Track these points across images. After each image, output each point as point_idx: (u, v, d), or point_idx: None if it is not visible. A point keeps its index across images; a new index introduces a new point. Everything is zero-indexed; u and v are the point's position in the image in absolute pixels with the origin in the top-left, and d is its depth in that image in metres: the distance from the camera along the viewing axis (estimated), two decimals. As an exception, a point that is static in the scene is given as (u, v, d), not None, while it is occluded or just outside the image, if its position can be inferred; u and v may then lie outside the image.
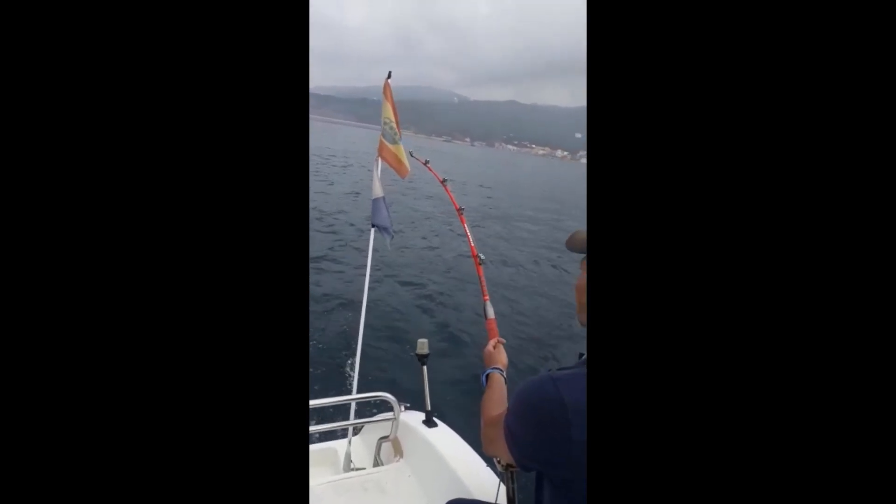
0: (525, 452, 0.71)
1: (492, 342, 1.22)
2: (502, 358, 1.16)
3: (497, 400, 0.98)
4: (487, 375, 1.10)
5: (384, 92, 2.43)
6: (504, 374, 1.11)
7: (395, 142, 2.39)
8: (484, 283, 1.69)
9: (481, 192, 21.12)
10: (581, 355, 0.75)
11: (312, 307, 4.84)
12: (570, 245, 0.82)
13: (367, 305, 2.24)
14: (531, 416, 0.67)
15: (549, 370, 0.71)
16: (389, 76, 2.47)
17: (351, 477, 1.55)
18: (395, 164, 2.41)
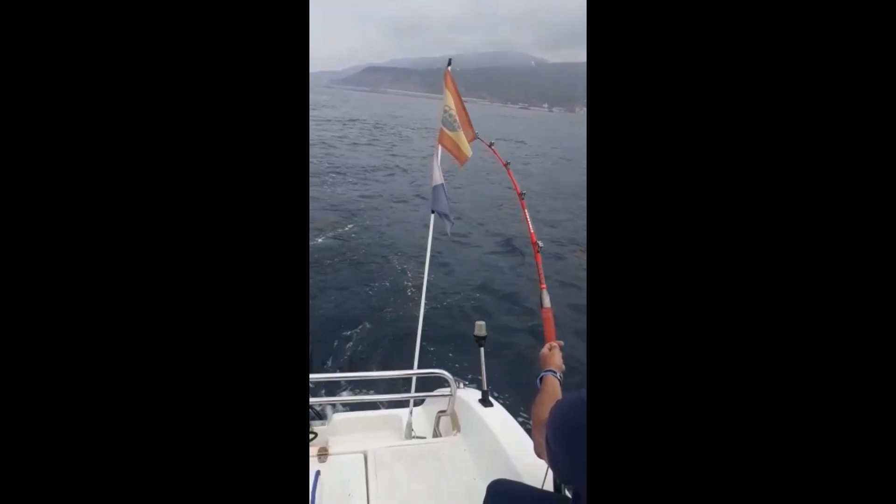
0: (560, 470, 0.72)
1: (548, 345, 1.21)
2: (558, 361, 1.15)
3: (548, 404, 0.97)
4: (542, 378, 1.09)
5: (445, 81, 2.45)
6: (559, 376, 1.10)
7: (454, 129, 2.41)
8: (541, 272, 1.70)
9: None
10: None
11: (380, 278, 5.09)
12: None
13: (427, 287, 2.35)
14: (563, 438, 0.69)
15: None
16: (450, 64, 2.48)
17: (411, 444, 1.69)
18: (455, 152, 2.45)
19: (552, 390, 1.04)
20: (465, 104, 2.51)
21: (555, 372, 1.10)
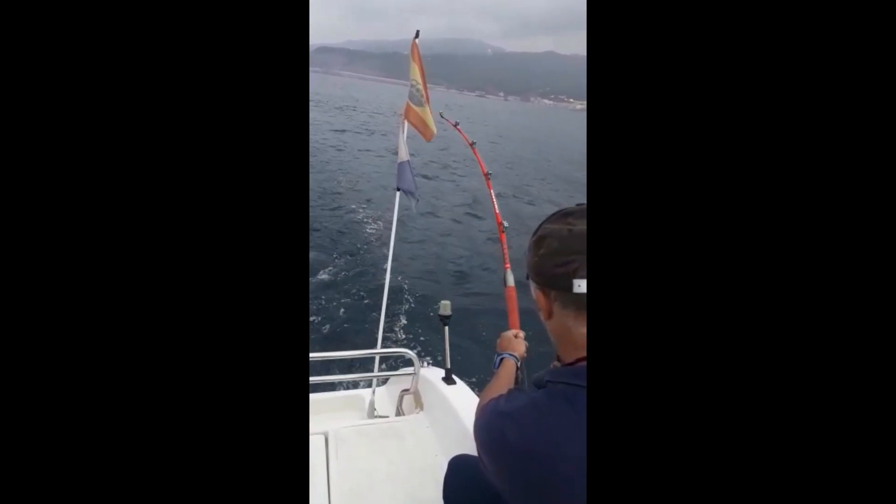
0: (488, 476, 0.69)
1: (513, 331, 1.16)
2: (521, 347, 1.08)
3: (497, 390, 0.91)
4: (500, 361, 1.03)
5: (412, 52, 2.38)
6: (519, 363, 1.04)
7: (421, 104, 2.36)
8: (506, 251, 1.72)
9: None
10: (554, 364, 0.70)
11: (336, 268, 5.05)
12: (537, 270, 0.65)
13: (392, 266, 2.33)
14: (484, 448, 0.66)
15: (516, 390, 0.68)
16: (417, 35, 2.41)
17: (374, 423, 1.68)
18: (421, 127, 2.40)
19: (507, 377, 0.98)
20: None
21: (515, 357, 1.04)
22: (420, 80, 2.36)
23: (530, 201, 10.06)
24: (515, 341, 1.11)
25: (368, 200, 7.85)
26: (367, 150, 13.71)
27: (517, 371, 1.04)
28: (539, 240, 0.64)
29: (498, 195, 2.09)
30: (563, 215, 0.63)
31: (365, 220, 6.83)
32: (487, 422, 0.65)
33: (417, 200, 2.46)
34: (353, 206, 7.42)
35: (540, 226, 0.65)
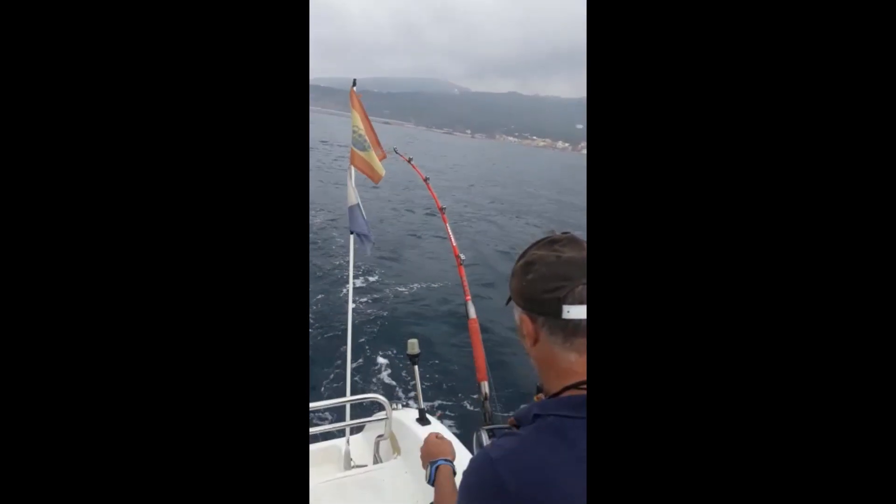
0: None
1: (432, 434, 1.09)
2: (447, 448, 1.02)
3: (448, 500, 0.87)
4: (436, 469, 0.96)
5: (351, 101, 2.49)
6: (454, 465, 0.98)
7: (365, 149, 2.45)
8: (466, 283, 1.76)
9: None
10: (537, 394, 0.69)
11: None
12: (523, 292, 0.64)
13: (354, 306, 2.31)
14: (481, 500, 0.61)
15: (494, 434, 0.65)
16: (354, 84, 2.54)
17: (349, 475, 1.63)
18: (368, 171, 2.49)
19: (449, 486, 0.92)
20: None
21: (450, 461, 0.99)
22: (362, 126, 2.46)
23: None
24: (441, 444, 1.05)
25: (325, 239, 7.78)
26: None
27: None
28: (526, 265, 0.63)
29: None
30: (549, 242, 0.63)
31: (321, 260, 6.74)
32: (481, 474, 0.61)
33: (372, 243, 2.49)
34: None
35: (526, 251, 0.65)
